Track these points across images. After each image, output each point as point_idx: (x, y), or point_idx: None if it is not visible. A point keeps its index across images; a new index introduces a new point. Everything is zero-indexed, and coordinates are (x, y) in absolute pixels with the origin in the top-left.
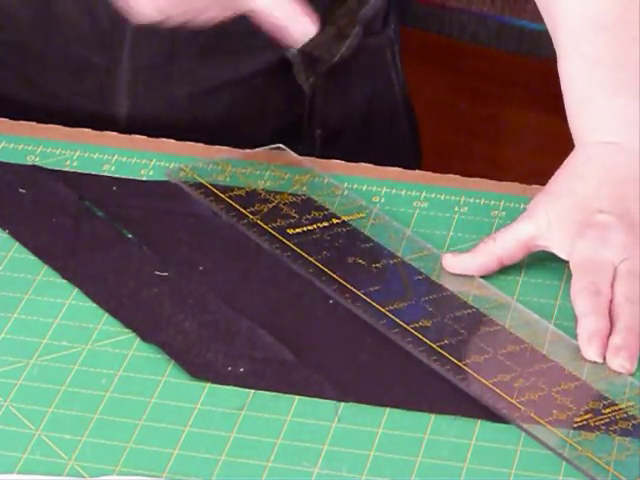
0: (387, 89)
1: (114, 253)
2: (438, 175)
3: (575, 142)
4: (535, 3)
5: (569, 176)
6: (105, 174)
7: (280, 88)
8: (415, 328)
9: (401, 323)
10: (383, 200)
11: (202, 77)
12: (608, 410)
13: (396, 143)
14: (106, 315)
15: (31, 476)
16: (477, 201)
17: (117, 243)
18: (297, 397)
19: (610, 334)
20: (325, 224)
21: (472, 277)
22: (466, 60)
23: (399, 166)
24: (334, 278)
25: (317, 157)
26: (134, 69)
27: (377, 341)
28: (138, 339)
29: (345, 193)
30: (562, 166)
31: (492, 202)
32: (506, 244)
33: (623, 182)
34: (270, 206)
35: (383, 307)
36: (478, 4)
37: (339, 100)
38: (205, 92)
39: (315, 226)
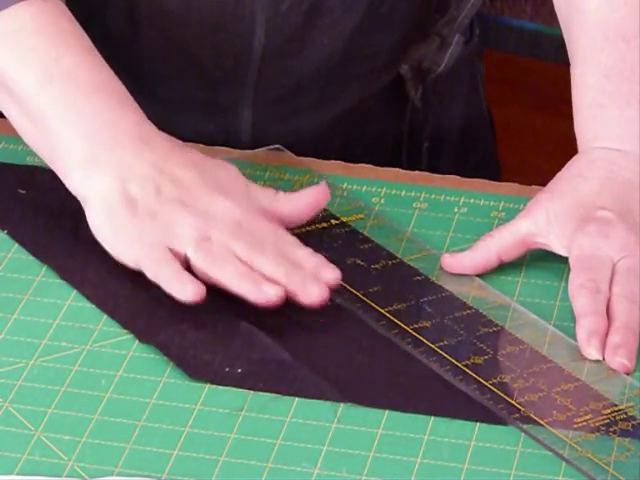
0: (477, 98)
1: None
2: (437, 175)
3: (579, 147)
4: (534, 4)
5: (571, 176)
6: None
7: (394, 106)
8: (414, 329)
9: (400, 324)
10: (382, 201)
11: (328, 106)
12: (608, 411)
13: (485, 154)
14: (105, 316)
15: (30, 477)
16: (476, 202)
17: None
18: (296, 398)
19: (608, 332)
20: (324, 225)
21: (471, 278)
22: None
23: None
24: None
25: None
26: (259, 105)
27: (376, 342)
28: (137, 340)
29: (344, 194)
30: (565, 167)
31: (491, 203)
32: (504, 240)
33: (626, 185)
34: None
35: (382, 308)
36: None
37: (443, 111)
38: (330, 121)
39: (314, 227)
